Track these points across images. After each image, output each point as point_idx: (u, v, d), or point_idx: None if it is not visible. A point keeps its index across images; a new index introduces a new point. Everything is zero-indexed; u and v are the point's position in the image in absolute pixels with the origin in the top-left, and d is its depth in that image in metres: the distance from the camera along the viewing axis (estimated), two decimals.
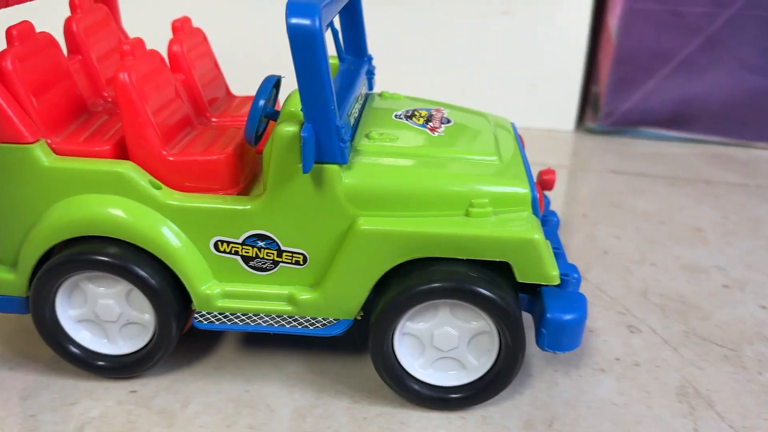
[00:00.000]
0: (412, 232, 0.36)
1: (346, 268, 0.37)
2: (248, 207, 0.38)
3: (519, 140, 0.46)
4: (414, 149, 0.39)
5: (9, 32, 0.38)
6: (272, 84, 0.39)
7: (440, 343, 0.38)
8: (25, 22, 0.39)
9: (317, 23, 0.32)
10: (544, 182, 0.49)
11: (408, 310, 0.37)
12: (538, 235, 0.35)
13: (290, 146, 0.36)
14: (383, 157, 0.38)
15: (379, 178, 0.37)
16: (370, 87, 0.49)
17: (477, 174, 0.38)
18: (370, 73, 0.48)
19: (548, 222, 0.48)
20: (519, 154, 0.42)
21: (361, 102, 0.44)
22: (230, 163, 0.39)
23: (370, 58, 0.48)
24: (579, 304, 0.38)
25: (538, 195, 0.39)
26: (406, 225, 0.36)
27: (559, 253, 0.43)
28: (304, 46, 0.32)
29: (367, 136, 0.40)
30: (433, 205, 0.37)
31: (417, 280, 0.36)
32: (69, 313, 0.41)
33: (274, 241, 0.38)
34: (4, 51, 0.37)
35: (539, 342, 0.38)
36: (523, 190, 0.38)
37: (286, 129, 0.36)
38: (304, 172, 0.34)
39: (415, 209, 0.37)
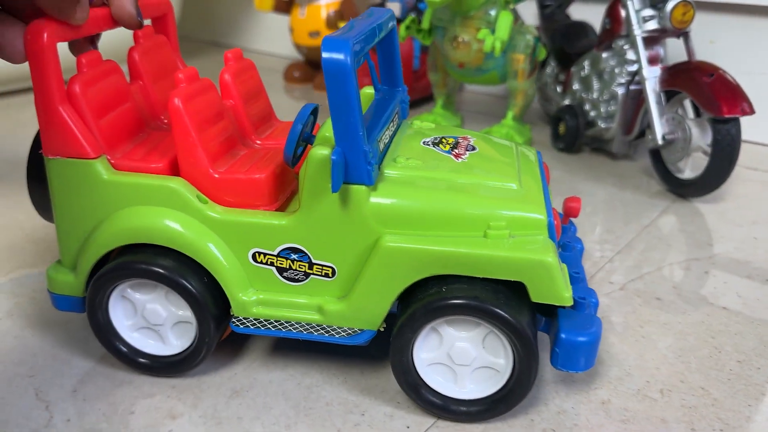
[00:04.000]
0: (432, 250, 0.38)
1: (370, 281, 0.39)
2: (283, 222, 0.40)
3: (542, 169, 0.46)
4: (438, 173, 0.41)
5: (79, 60, 0.42)
6: (310, 111, 0.42)
7: (458, 357, 0.39)
8: (93, 51, 0.44)
9: (348, 58, 0.35)
10: (568, 209, 0.49)
11: (426, 324, 0.39)
12: (551, 257, 0.36)
13: (322, 168, 0.38)
14: (408, 180, 0.40)
15: (403, 199, 0.39)
16: (404, 115, 0.50)
17: (496, 198, 0.39)
18: (404, 102, 0.50)
19: (570, 248, 0.48)
20: (540, 182, 0.43)
21: (393, 129, 0.46)
22: (270, 181, 0.42)
23: (404, 89, 0.50)
24: (593, 326, 0.39)
25: (555, 221, 0.39)
26: (426, 243, 0.38)
27: (578, 278, 0.44)
28: (336, 78, 0.35)
29: (394, 160, 0.42)
30: (453, 225, 0.39)
31: (435, 296, 0.38)
32: (122, 320, 0.44)
33: (306, 254, 0.41)
34: (74, 77, 0.41)
35: (553, 361, 0.39)
36: (539, 215, 0.39)
37: (320, 152, 0.39)
38: (333, 191, 0.37)
39: (436, 229, 0.39)
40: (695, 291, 0.50)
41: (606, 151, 0.76)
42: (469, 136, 0.46)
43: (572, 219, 0.51)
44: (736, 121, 0.60)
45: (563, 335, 0.37)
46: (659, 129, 0.65)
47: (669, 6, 0.64)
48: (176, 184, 0.41)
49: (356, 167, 0.37)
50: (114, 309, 0.44)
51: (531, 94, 0.77)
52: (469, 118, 0.89)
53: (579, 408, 0.38)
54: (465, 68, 0.73)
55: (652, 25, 0.66)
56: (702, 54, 0.83)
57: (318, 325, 0.41)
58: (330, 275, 0.41)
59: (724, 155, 0.61)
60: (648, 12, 0.66)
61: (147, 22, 0.48)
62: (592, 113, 0.74)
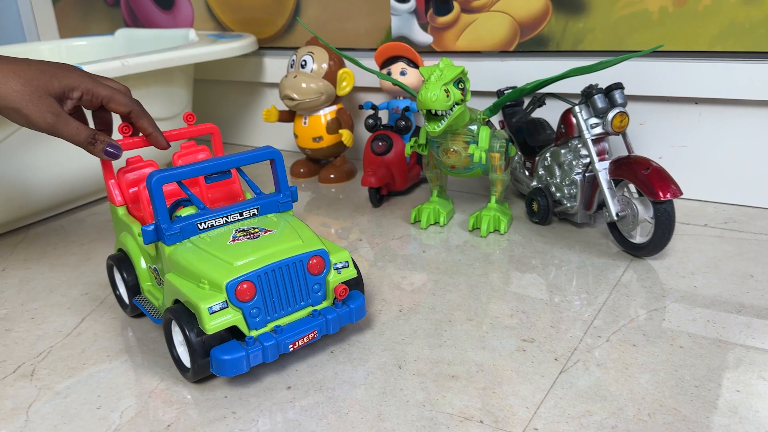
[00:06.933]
0: (172, 286, 0.58)
1: (165, 292, 0.61)
2: (153, 253, 0.65)
3: (296, 265, 0.58)
4: (207, 247, 0.58)
5: (128, 161, 0.68)
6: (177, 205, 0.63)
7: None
8: (136, 156, 0.69)
9: (153, 182, 0.57)
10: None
11: (168, 324, 0.59)
12: (204, 305, 0.54)
13: None
14: (190, 248, 0.59)
15: (177, 255, 0.59)
16: (279, 209, 0.65)
17: (211, 267, 0.56)
18: (277, 202, 0.65)
19: (317, 313, 0.59)
20: (260, 263, 0.56)
21: (242, 217, 0.63)
22: None
23: (285, 194, 0.65)
24: (236, 351, 0.55)
25: (242, 288, 0.54)
26: (174, 282, 0.58)
27: (274, 333, 0.57)
28: (149, 190, 0.58)
29: (200, 236, 0.60)
30: (189, 277, 0.57)
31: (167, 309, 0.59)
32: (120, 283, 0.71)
33: (157, 271, 0.65)
34: (120, 168, 0.68)
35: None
36: (221, 283, 0.55)
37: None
38: (144, 243, 0.60)
39: (185, 276, 0.58)
40: (659, 336, 0.62)
41: (571, 221, 0.93)
42: (273, 231, 0.61)
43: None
44: (671, 201, 0.75)
45: (213, 353, 0.55)
46: (613, 208, 0.80)
47: (609, 116, 0.80)
48: (135, 226, 0.66)
49: (161, 233, 0.59)
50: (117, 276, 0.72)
51: (507, 180, 0.94)
52: (458, 199, 1.05)
53: None
54: (455, 169, 0.91)
55: (598, 130, 0.81)
56: (635, 133, 0.98)
57: (156, 310, 0.64)
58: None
59: (665, 227, 0.75)
60: (593, 120, 0.82)
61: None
62: (558, 194, 0.88)
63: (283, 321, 0.58)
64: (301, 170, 1.18)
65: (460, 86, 0.80)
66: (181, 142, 0.73)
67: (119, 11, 1.54)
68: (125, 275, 0.68)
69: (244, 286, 0.55)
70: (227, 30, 1.37)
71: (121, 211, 0.69)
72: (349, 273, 0.62)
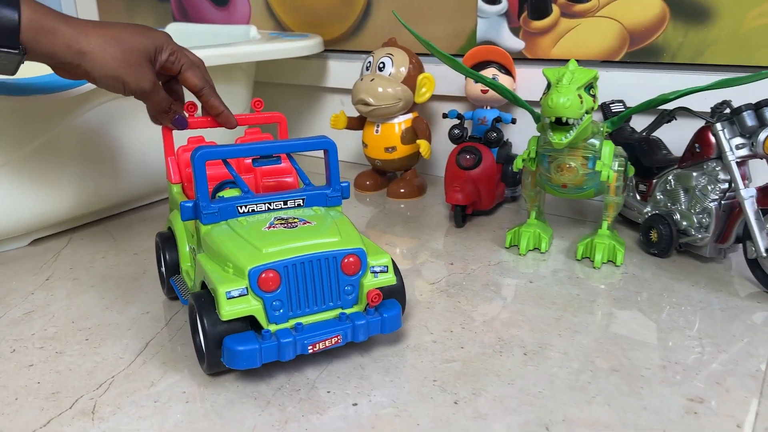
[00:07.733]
0: (202, 268, 0.55)
1: (195, 272, 0.59)
2: (194, 235, 0.62)
3: (328, 261, 0.54)
4: (241, 231, 0.56)
5: (189, 140, 0.68)
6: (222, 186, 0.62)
7: None
8: (199, 136, 0.69)
9: (197, 157, 0.55)
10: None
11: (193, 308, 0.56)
12: (222, 288, 0.51)
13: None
14: (227, 229, 0.57)
15: (210, 236, 0.56)
16: (329, 203, 0.62)
17: (238, 252, 0.53)
18: (326, 195, 0.62)
19: (345, 317, 0.55)
20: (290, 253, 0.53)
21: (285, 206, 0.60)
22: None
23: (335, 188, 0.62)
24: (248, 344, 0.51)
25: (266, 276, 0.51)
26: (203, 263, 0.55)
27: (295, 329, 0.53)
28: (193, 166, 0.56)
29: (238, 220, 0.58)
30: (217, 259, 0.55)
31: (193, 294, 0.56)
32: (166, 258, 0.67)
33: (195, 251, 0.60)
34: (180, 146, 0.68)
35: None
36: (245, 268, 0.51)
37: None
38: (182, 220, 0.58)
39: (214, 258, 0.55)
40: None
41: (694, 253, 0.79)
42: (312, 222, 0.57)
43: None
44: None
45: (224, 341, 0.51)
46: (761, 243, 0.69)
47: (761, 137, 0.70)
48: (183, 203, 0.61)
49: (199, 212, 0.57)
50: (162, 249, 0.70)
51: (621, 204, 0.83)
52: (557, 223, 0.93)
53: None
54: (566, 188, 0.80)
55: (744, 152, 0.71)
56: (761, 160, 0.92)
57: (188, 291, 0.62)
58: None
59: None
60: (739, 140, 0.72)
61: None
62: (684, 223, 0.77)
63: (307, 319, 0.54)
64: (367, 183, 1.07)
65: (591, 93, 0.69)
66: (245, 128, 0.72)
67: (167, 6, 1.45)
68: (167, 254, 0.66)
69: (270, 274, 0.51)
70: (287, 30, 1.27)
71: (176, 189, 0.68)
72: (388, 279, 0.57)
